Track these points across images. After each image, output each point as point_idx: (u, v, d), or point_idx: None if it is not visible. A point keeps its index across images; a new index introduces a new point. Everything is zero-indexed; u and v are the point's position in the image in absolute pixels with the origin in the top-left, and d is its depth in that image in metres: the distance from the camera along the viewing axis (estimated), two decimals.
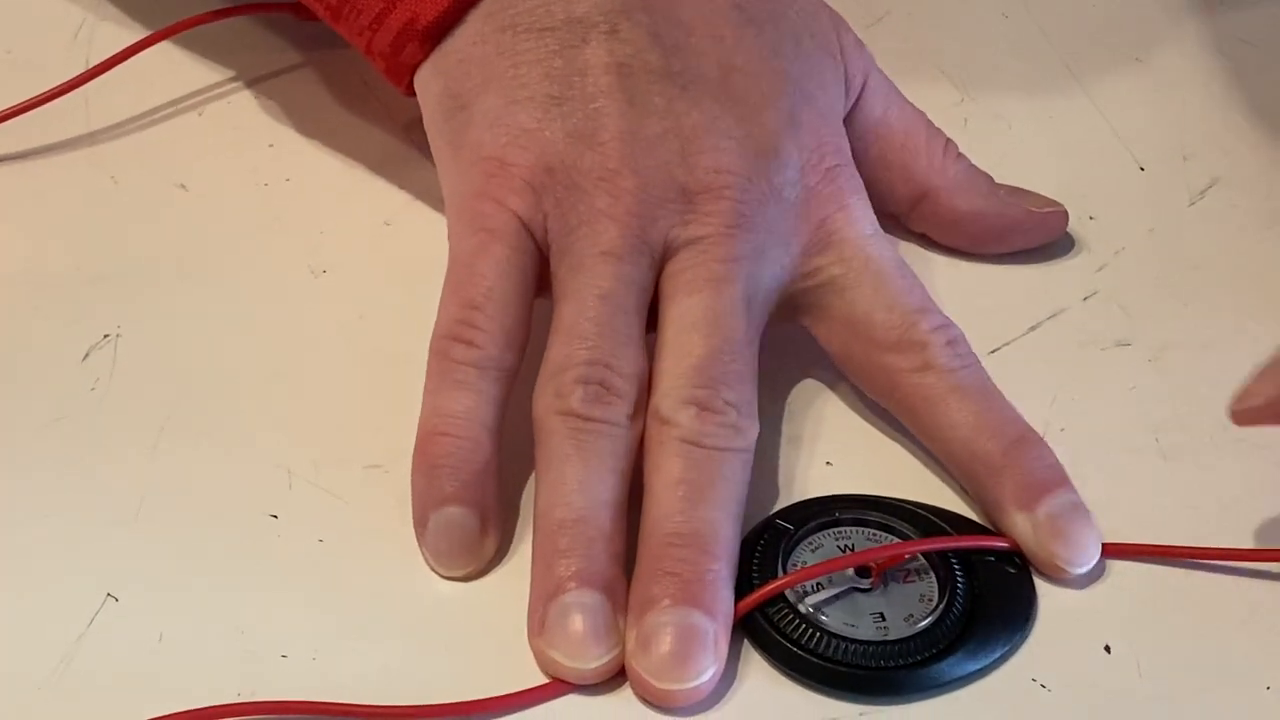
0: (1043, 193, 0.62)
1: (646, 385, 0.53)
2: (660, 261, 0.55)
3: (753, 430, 0.53)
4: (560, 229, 0.55)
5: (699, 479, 0.51)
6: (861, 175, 0.59)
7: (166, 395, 0.57)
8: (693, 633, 0.49)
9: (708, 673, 0.49)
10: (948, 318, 0.56)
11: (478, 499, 0.52)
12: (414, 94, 0.59)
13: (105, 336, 0.59)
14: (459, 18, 0.57)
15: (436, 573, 0.53)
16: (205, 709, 0.48)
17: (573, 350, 0.53)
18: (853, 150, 0.59)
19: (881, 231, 0.57)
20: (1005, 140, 0.66)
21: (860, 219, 0.57)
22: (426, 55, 0.58)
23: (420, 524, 0.53)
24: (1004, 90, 0.69)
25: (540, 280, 0.55)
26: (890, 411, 0.56)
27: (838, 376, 0.58)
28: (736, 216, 0.55)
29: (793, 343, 0.58)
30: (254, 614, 0.51)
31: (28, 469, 0.55)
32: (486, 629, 0.51)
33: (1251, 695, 0.51)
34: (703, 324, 0.54)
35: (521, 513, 0.54)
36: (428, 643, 0.51)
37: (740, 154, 0.55)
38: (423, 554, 0.53)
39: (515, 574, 0.52)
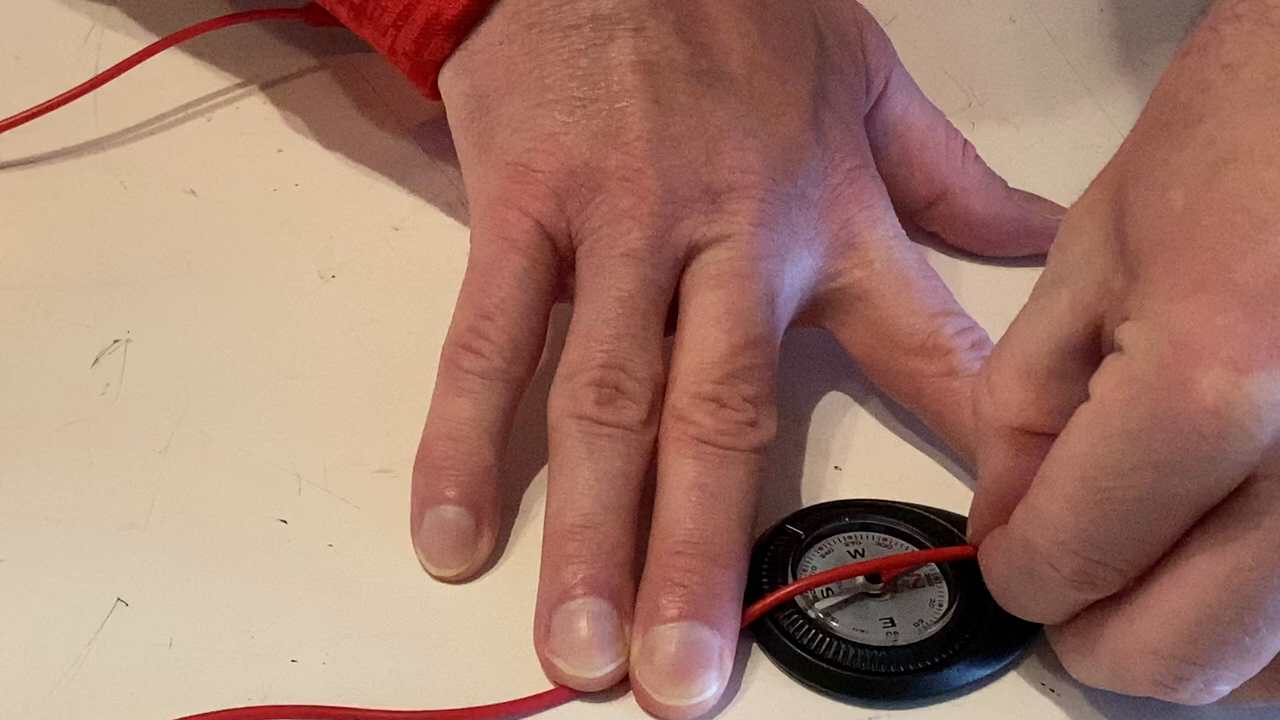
0: (1050, 197, 0.62)
1: (662, 390, 0.53)
2: (683, 262, 0.55)
3: (770, 430, 0.53)
4: (583, 230, 0.55)
5: (713, 483, 0.51)
6: (881, 172, 0.59)
7: (176, 400, 0.57)
8: (698, 648, 0.49)
9: (711, 689, 0.49)
10: (972, 320, 0.56)
11: (474, 501, 0.52)
12: (438, 97, 0.59)
13: (115, 341, 0.59)
14: (484, 11, 0.57)
15: (429, 572, 0.53)
16: (215, 713, 0.48)
17: (589, 353, 0.53)
18: (873, 147, 0.59)
19: (903, 233, 0.57)
20: (1013, 144, 0.66)
21: (882, 220, 0.57)
22: (452, 51, 0.57)
23: (416, 522, 0.53)
24: (1011, 94, 0.69)
25: (561, 287, 0.55)
26: (916, 415, 0.56)
27: (846, 381, 0.58)
28: (761, 215, 0.55)
29: (802, 347, 0.58)
30: (264, 618, 0.51)
31: (38, 474, 0.55)
32: (495, 634, 0.51)
33: None
34: (724, 319, 0.53)
35: (532, 516, 0.54)
36: (436, 647, 0.51)
37: (765, 154, 0.55)
38: (416, 552, 0.53)
39: (525, 579, 0.52)
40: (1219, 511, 0.44)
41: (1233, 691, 0.46)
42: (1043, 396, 0.48)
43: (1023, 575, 0.47)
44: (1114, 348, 0.45)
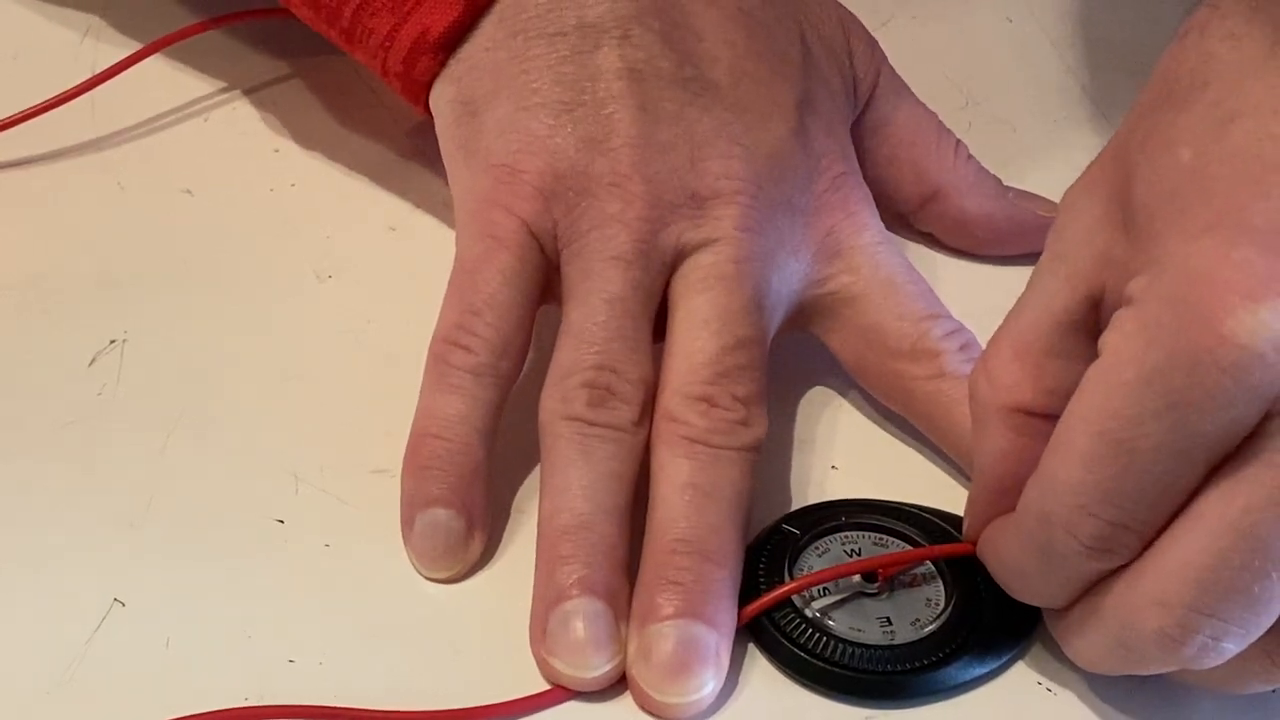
0: (1048, 197, 0.62)
1: (653, 391, 0.53)
2: (670, 267, 0.55)
3: (761, 428, 0.53)
4: (570, 234, 0.55)
5: (705, 482, 0.51)
6: (871, 174, 0.59)
7: (173, 400, 0.57)
8: (694, 645, 0.49)
9: (708, 686, 0.49)
10: (959, 323, 0.56)
11: (464, 502, 0.52)
12: (432, 115, 0.59)
13: (112, 342, 0.59)
14: (470, 26, 0.57)
15: (420, 573, 0.53)
16: (212, 713, 0.48)
17: (580, 355, 0.53)
18: (863, 149, 0.60)
19: (889, 238, 0.57)
20: (1010, 144, 0.66)
21: (867, 226, 0.57)
22: (440, 69, 0.57)
23: (407, 524, 0.53)
24: (1008, 95, 0.69)
25: (547, 288, 0.55)
26: (906, 418, 0.56)
27: (843, 381, 0.58)
28: (746, 220, 0.55)
29: (798, 347, 0.58)
30: (261, 618, 0.51)
31: (35, 474, 0.55)
32: (492, 634, 0.51)
33: (1257, 697, 0.50)
34: (713, 321, 0.54)
35: (527, 516, 0.54)
36: (433, 647, 0.51)
37: (750, 161, 0.55)
38: (408, 554, 0.53)
39: (522, 579, 0.52)
40: (1231, 456, 0.44)
41: (1236, 660, 0.46)
42: (1039, 375, 0.48)
43: (1037, 552, 0.47)
44: (1120, 306, 0.45)
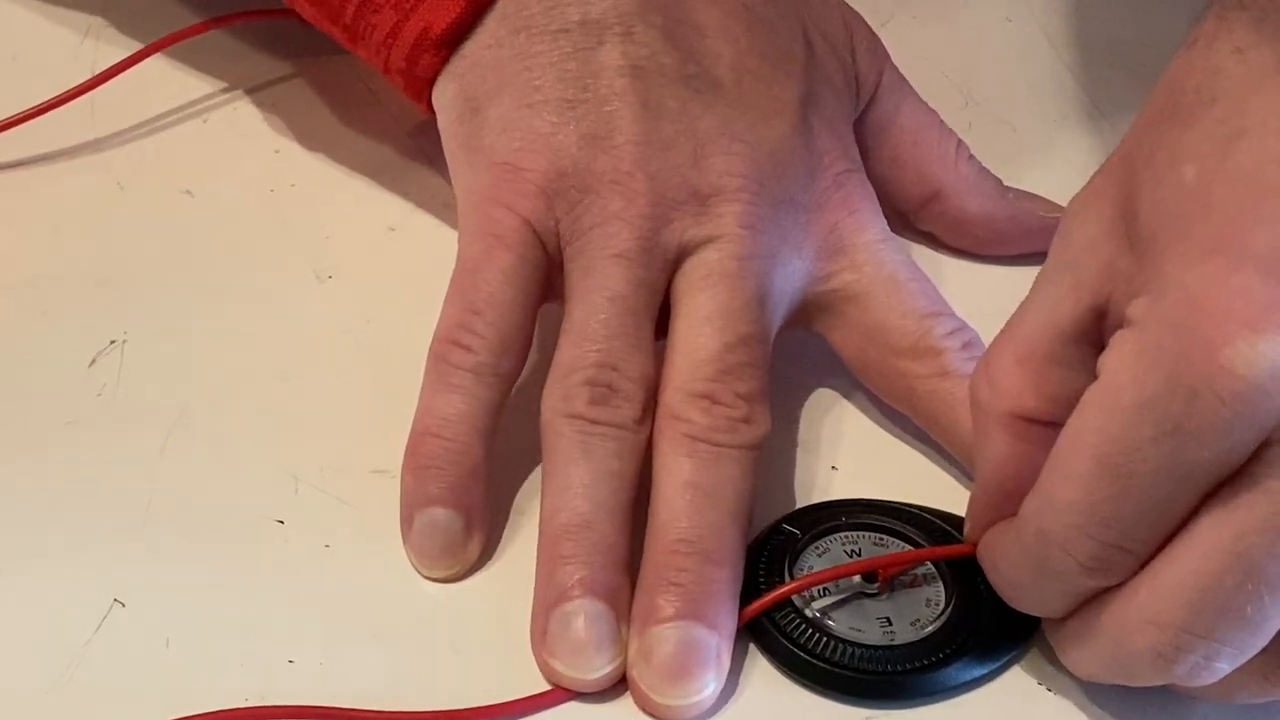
0: (1048, 196, 0.62)
1: (655, 389, 0.53)
2: (673, 264, 0.55)
3: (764, 426, 0.53)
4: (572, 231, 0.55)
5: (707, 481, 0.51)
6: (873, 173, 0.59)
7: (173, 401, 0.57)
8: (695, 647, 0.49)
9: (708, 688, 0.49)
10: (962, 321, 0.56)
11: (463, 501, 0.52)
12: (434, 113, 0.59)
13: (112, 342, 0.59)
14: (473, 23, 0.57)
15: (420, 573, 0.53)
16: (212, 713, 0.48)
17: (581, 352, 0.53)
18: (865, 148, 0.60)
19: (892, 236, 0.57)
20: (1009, 145, 0.66)
21: (871, 224, 0.57)
22: (442, 66, 0.57)
23: (406, 524, 0.53)
24: (1008, 95, 0.69)
25: (549, 287, 0.55)
26: (908, 416, 0.56)
27: (843, 381, 0.58)
28: (748, 218, 0.55)
29: (798, 347, 0.58)
30: (261, 619, 0.51)
31: (35, 474, 0.55)
32: (492, 634, 0.51)
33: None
34: (716, 318, 0.54)
35: (528, 515, 0.54)
36: (433, 648, 0.51)
37: (753, 158, 0.55)
38: (407, 554, 0.53)
39: (523, 579, 0.52)
40: (1227, 481, 0.44)
41: (1231, 677, 0.46)
42: (1042, 382, 0.48)
43: (1034, 567, 0.47)
44: (1121, 326, 0.45)
